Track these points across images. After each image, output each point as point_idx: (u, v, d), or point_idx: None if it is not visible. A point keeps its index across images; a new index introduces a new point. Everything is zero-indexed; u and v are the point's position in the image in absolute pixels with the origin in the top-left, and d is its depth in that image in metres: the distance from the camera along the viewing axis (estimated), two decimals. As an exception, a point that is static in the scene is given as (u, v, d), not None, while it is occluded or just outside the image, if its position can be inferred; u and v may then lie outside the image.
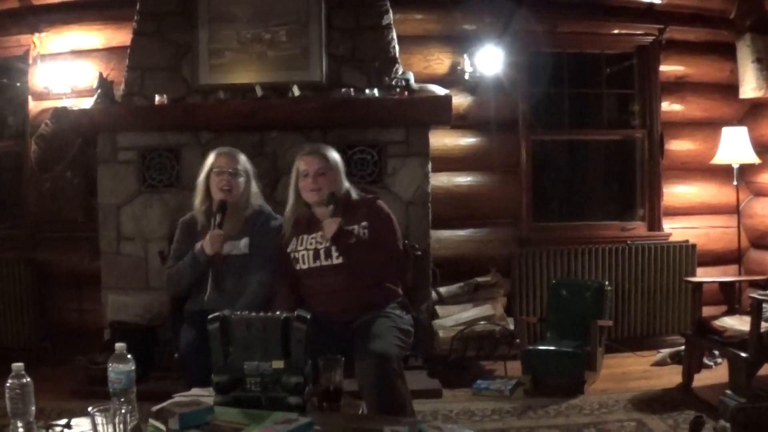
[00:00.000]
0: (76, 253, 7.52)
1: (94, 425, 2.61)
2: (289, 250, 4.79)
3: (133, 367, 3.12)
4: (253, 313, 3.36)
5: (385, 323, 4.52)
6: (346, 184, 4.87)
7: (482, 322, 6.86)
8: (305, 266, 4.71)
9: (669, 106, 7.97)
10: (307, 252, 4.72)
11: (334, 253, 4.64)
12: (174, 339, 5.22)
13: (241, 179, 5.02)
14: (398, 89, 6.84)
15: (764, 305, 5.58)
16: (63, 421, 3.04)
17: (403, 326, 4.61)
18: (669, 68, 7.94)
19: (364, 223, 4.69)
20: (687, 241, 7.76)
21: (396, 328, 4.54)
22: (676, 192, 8.01)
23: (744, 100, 7.73)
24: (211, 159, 5.07)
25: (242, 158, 5.13)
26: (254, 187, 5.15)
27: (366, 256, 4.61)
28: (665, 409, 5.75)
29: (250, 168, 5.16)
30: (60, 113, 7.22)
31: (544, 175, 8.15)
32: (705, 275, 7.44)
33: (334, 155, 4.85)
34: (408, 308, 4.81)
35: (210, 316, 3.32)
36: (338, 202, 4.71)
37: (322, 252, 4.67)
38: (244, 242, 4.95)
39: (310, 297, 4.68)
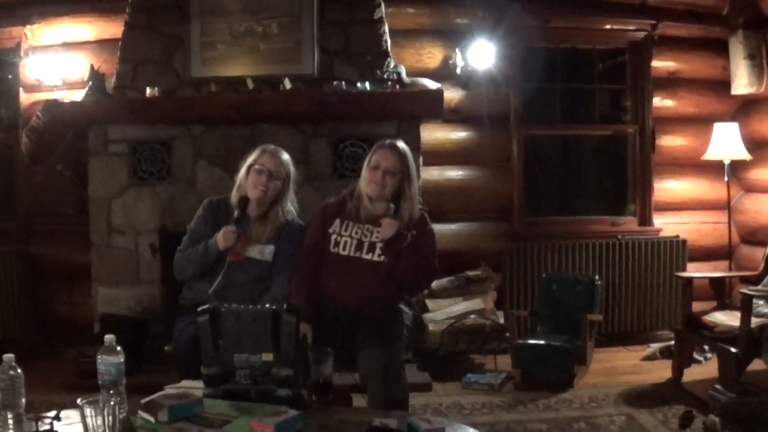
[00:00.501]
0: (66, 246, 7.51)
1: (83, 417, 2.61)
2: (330, 230, 4.73)
3: (122, 360, 3.12)
4: (242, 306, 3.35)
5: (393, 317, 4.57)
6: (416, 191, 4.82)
7: (472, 316, 6.87)
8: (345, 252, 4.66)
9: (661, 102, 7.98)
10: (351, 240, 4.67)
11: (377, 250, 4.61)
12: (167, 330, 5.20)
13: (279, 183, 4.87)
14: (390, 83, 6.83)
15: (754, 301, 5.60)
16: (52, 414, 3.04)
17: (406, 321, 4.67)
18: (661, 64, 7.95)
19: (413, 231, 4.64)
20: (678, 236, 7.78)
21: (402, 324, 4.57)
22: (668, 187, 8.02)
23: (736, 96, 7.75)
24: (254, 154, 4.93)
25: (286, 159, 4.97)
26: (291, 195, 5.02)
27: (408, 263, 4.57)
28: (655, 403, 5.77)
29: (292, 171, 5.00)
30: (51, 106, 7.18)
31: (536, 170, 8.15)
32: (696, 271, 7.46)
33: (410, 160, 4.76)
34: (411, 303, 4.84)
35: (199, 308, 3.32)
36: (398, 205, 4.67)
37: (366, 245, 4.64)
38: (269, 249, 4.83)
39: (334, 282, 4.64)
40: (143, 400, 3.13)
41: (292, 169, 4.99)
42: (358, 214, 4.73)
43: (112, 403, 2.63)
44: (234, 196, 4.92)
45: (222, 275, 4.73)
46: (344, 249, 4.67)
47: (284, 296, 4.64)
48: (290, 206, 5.01)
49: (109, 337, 3.13)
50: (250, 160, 4.92)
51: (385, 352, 4.22)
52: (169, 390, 3.45)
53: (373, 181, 4.65)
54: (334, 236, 4.70)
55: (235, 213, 4.79)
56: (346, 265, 4.65)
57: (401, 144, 4.78)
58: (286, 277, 4.75)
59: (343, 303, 4.54)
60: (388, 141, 4.80)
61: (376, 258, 4.61)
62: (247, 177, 4.88)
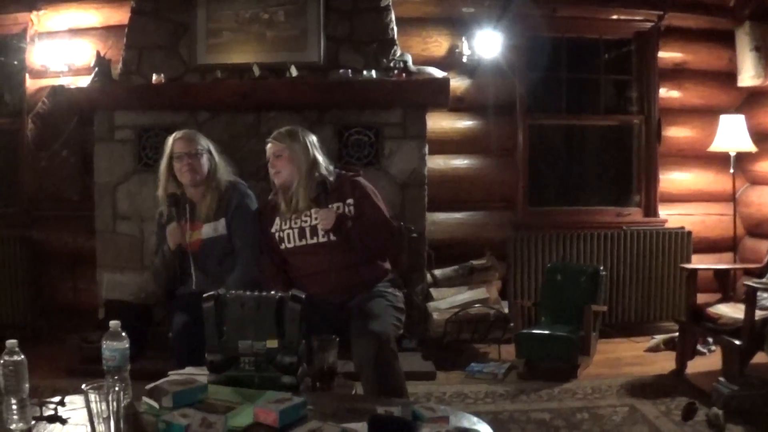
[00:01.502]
0: (71, 232, 7.52)
1: (88, 403, 2.61)
2: (273, 230, 4.81)
3: (127, 345, 3.11)
4: (248, 292, 3.36)
5: (381, 302, 4.54)
6: (322, 164, 4.85)
7: (477, 305, 6.86)
8: (291, 245, 4.73)
9: (667, 93, 7.96)
10: (291, 231, 4.73)
11: (320, 232, 4.65)
12: (168, 319, 5.23)
13: (204, 158, 5.02)
14: (396, 71, 6.83)
15: (759, 293, 5.59)
16: (57, 399, 3.04)
17: (397, 305, 4.65)
18: (667, 55, 7.92)
19: (349, 201, 4.72)
20: (683, 228, 7.76)
21: (392, 307, 4.57)
22: (673, 179, 8.01)
23: (742, 88, 7.73)
24: (168, 146, 5.06)
25: (200, 137, 5.13)
26: (219, 162, 5.15)
27: (355, 233, 4.61)
28: (658, 395, 5.76)
29: (211, 145, 5.16)
30: (57, 91, 7.19)
31: (541, 160, 8.13)
32: (700, 262, 7.43)
33: (296, 136, 4.84)
34: (400, 286, 4.84)
35: (205, 295, 3.33)
36: (322, 186, 4.70)
37: (307, 230, 4.69)
38: (221, 223, 4.96)
39: (299, 278, 4.69)
40: (147, 386, 3.13)
41: (209, 143, 5.15)
42: (287, 207, 4.80)
43: (116, 388, 2.63)
44: (162, 193, 5.07)
45: (193, 269, 4.83)
46: (290, 242, 4.74)
47: (250, 276, 4.75)
48: (227, 175, 5.15)
49: (114, 323, 3.12)
50: (166, 153, 5.06)
51: (376, 340, 4.22)
52: (174, 376, 3.46)
53: (272, 174, 4.82)
54: (277, 234, 4.79)
55: (170, 210, 4.92)
56: (298, 256, 4.73)
57: (280, 130, 4.93)
58: (248, 254, 4.88)
59: (317, 292, 4.49)
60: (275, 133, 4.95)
61: (321, 239, 4.67)
62: (169, 171, 5.03)
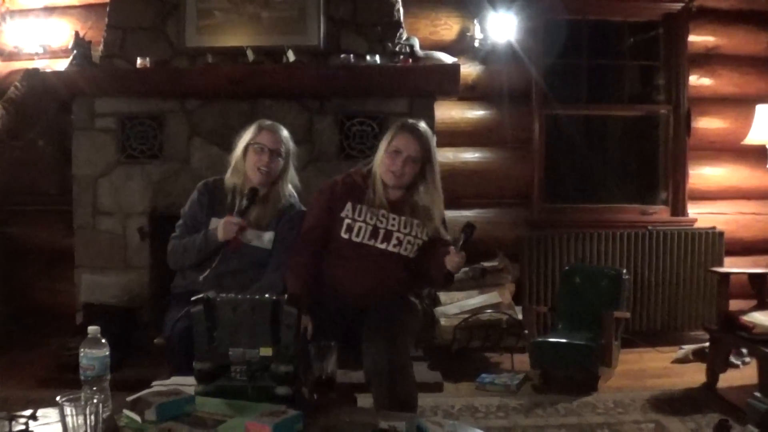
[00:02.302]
0: (48, 229, 7.51)
1: (63, 416, 2.59)
2: (342, 213, 4.65)
3: (107, 353, 3.09)
4: (239, 295, 3.34)
5: (399, 308, 4.54)
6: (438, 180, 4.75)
7: (488, 311, 6.85)
8: (357, 239, 4.60)
9: (698, 80, 7.94)
10: (365, 225, 4.61)
11: (394, 240, 4.58)
12: (157, 321, 5.20)
13: (281, 161, 4.86)
14: (402, 56, 6.82)
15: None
16: (28, 412, 3.03)
17: (416, 314, 4.65)
18: (699, 39, 7.90)
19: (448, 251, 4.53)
20: (714, 227, 7.76)
21: (409, 314, 4.55)
22: (704, 174, 8.00)
23: (780, 74, 7.73)
24: (251, 132, 4.90)
25: (286, 136, 4.95)
26: (292, 173, 5.01)
27: (440, 267, 4.49)
28: (686, 410, 5.74)
29: (292, 148, 4.99)
30: (32, 75, 7.17)
31: (559, 153, 8.13)
32: (733, 265, 7.44)
33: (433, 144, 4.70)
34: (420, 296, 4.82)
35: (193, 298, 3.30)
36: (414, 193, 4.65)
37: (381, 232, 4.60)
38: (268, 236, 4.84)
39: (341, 271, 4.62)
40: (129, 398, 3.12)
41: (292, 145, 4.97)
42: (372, 198, 4.66)
43: (95, 400, 2.62)
44: (229, 179, 4.90)
45: (216, 263, 4.73)
46: (357, 235, 4.61)
47: (277, 286, 4.60)
48: (291, 188, 5.00)
49: (93, 328, 3.11)
50: (247, 138, 4.88)
51: (392, 346, 4.18)
52: (158, 387, 3.45)
53: (391, 169, 4.58)
54: (347, 221, 4.63)
55: (242, 203, 4.74)
56: (357, 252, 4.61)
57: (423, 126, 4.70)
58: (279, 266, 4.74)
59: (350, 293, 4.52)
60: (410, 122, 4.70)
61: (391, 248, 4.58)
62: (244, 158, 4.86)
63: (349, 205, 4.65)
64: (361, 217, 4.62)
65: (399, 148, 4.56)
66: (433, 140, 4.71)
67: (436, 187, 4.66)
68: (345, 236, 4.62)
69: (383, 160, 4.61)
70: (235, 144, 4.94)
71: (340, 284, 4.53)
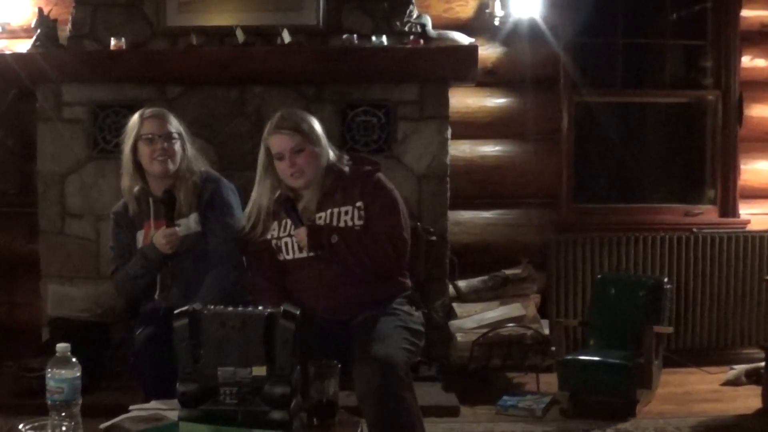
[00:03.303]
0: (7, 233, 7.48)
1: (26, 446, 2.61)
2: (269, 236, 4.77)
3: (78, 374, 3.09)
4: (230, 308, 3.36)
5: (390, 322, 4.52)
6: (332, 154, 4.82)
7: (510, 325, 6.87)
8: (290, 257, 4.71)
9: (751, 62, 7.93)
10: (291, 239, 4.69)
11: (333, 240, 4.61)
12: (129, 340, 5.24)
13: (177, 143, 5.00)
14: (412, 37, 6.85)
15: None
16: (-14, 443, 3.05)
17: (412, 326, 4.62)
18: (752, 14, 7.89)
19: (359, 204, 4.67)
20: (769, 230, 7.77)
21: (404, 328, 4.54)
22: (757, 169, 8.00)
23: None
24: (134, 126, 5.00)
25: (172, 117, 5.10)
26: (191, 149, 5.13)
27: (361, 245, 4.59)
28: (739, 439, 5.77)
29: (182, 128, 5.13)
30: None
31: (590, 146, 8.15)
32: (791, 273, 7.46)
33: (309, 122, 4.78)
34: (418, 304, 4.82)
35: (176, 311, 3.31)
36: (338, 185, 4.70)
37: None
38: (193, 218, 4.96)
39: (300, 291, 4.69)
40: (103, 425, 3.14)
41: (180, 125, 5.12)
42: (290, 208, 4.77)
43: (63, 428, 2.63)
44: (129, 188, 5.06)
45: (159, 274, 4.92)
46: (288, 253, 4.72)
47: (225, 283, 4.79)
48: (199, 165, 5.15)
49: (62, 346, 3.11)
50: (131, 135, 5.00)
51: (381, 367, 4.19)
52: (136, 412, 3.47)
53: (287, 174, 4.69)
54: (274, 242, 4.76)
55: (161, 212, 4.90)
56: (301, 268, 4.71)
57: (287, 113, 4.83)
58: (225, 257, 4.90)
59: (324, 310, 4.57)
60: (274, 119, 4.80)
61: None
62: (135, 156, 4.99)
63: (275, 225, 4.77)
64: (285, 232, 4.73)
65: (278, 152, 4.68)
66: (299, 116, 4.80)
67: (320, 157, 4.74)
68: (281, 258, 4.75)
69: (279, 171, 4.73)
70: (120, 148, 5.09)
71: (307, 305, 4.56)
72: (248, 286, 4.87)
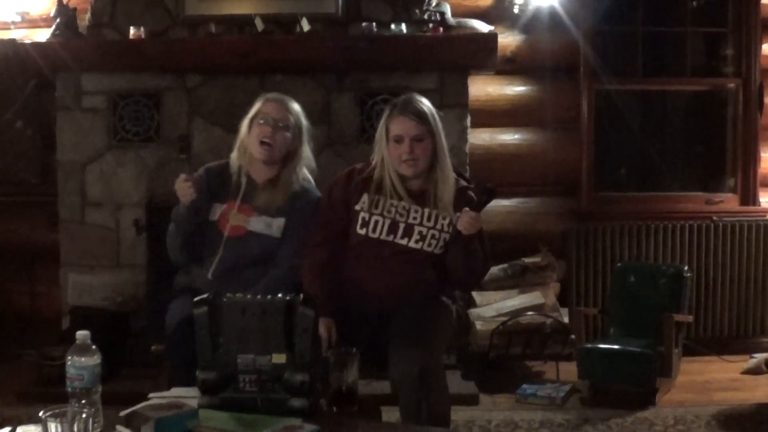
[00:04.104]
0: (28, 222, 7.54)
1: (47, 433, 2.61)
2: (357, 206, 4.69)
3: (98, 361, 3.10)
4: (249, 295, 3.35)
5: (435, 313, 4.58)
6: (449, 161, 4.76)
7: (529, 313, 6.87)
8: (374, 235, 4.63)
9: (772, 50, 7.92)
10: (382, 219, 4.64)
11: (416, 235, 4.60)
12: (154, 327, 5.21)
13: (288, 135, 4.86)
14: (431, 25, 6.82)
15: None
16: (6, 430, 3.04)
17: (449, 318, 4.69)
18: (773, 1, 7.87)
19: (458, 214, 4.55)
20: (790, 218, 7.74)
21: (445, 321, 4.61)
22: (778, 158, 7.98)
23: None
24: (256, 106, 4.94)
25: (296, 109, 4.97)
26: (307, 154, 5.02)
27: (468, 256, 4.53)
28: (759, 429, 5.74)
29: (305, 125, 5.00)
30: (8, 47, 7.19)
31: (610, 134, 8.13)
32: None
33: (435, 116, 4.69)
34: (455, 299, 4.85)
35: (196, 299, 3.31)
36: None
37: (401, 227, 4.62)
38: (278, 224, 4.84)
39: (361, 270, 4.65)
40: (123, 412, 3.13)
41: (305, 122, 4.99)
42: (390, 189, 4.68)
43: (83, 415, 2.63)
44: (235, 160, 4.95)
45: (220, 255, 4.76)
46: (374, 231, 4.64)
47: (286, 282, 4.62)
48: (306, 172, 5.01)
49: (82, 334, 3.12)
50: (251, 113, 4.92)
51: (424, 353, 4.19)
52: (156, 399, 3.46)
53: (401, 159, 4.60)
54: (362, 214, 4.66)
55: (249, 194, 4.83)
56: (376, 249, 4.63)
57: (417, 99, 4.74)
58: (292, 255, 4.77)
59: (373, 294, 4.55)
60: (400, 101, 4.73)
61: (413, 244, 4.60)
62: (249, 133, 4.89)
63: (365, 197, 4.68)
64: (378, 210, 4.65)
65: (399, 134, 4.59)
66: (432, 110, 4.71)
67: (448, 165, 4.70)
68: (361, 232, 4.65)
69: (390, 153, 4.64)
70: (240, 122, 4.97)
71: (359, 285, 4.55)
72: (305, 252, 4.74)
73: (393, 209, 4.63)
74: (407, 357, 4.18)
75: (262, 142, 4.79)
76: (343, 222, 4.71)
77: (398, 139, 4.58)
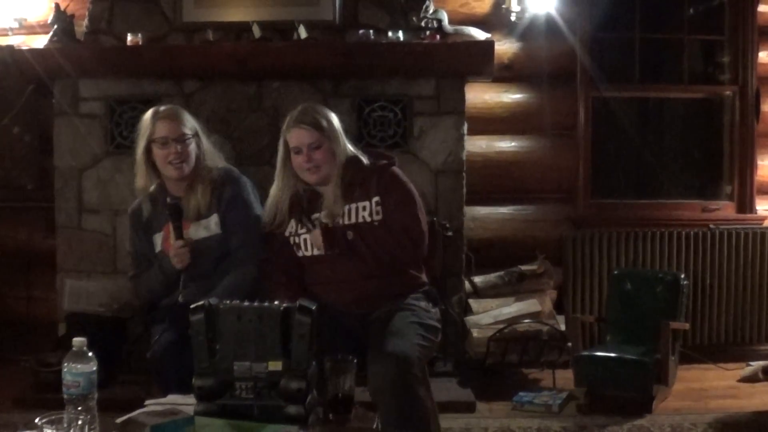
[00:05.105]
0: (25, 228, 7.53)
1: (43, 440, 2.61)
2: (287, 233, 4.81)
3: (94, 368, 3.10)
4: (246, 302, 3.35)
5: (406, 317, 4.54)
6: (350, 149, 4.84)
7: (526, 321, 6.85)
8: (308, 253, 4.75)
9: (768, 57, 7.94)
10: (311, 235, 4.72)
11: (348, 237, 4.64)
12: (146, 334, 5.23)
13: (192, 144, 4.95)
14: (428, 32, 6.83)
15: None
16: (3, 437, 3.05)
17: (428, 321, 4.63)
18: (770, 9, 7.89)
19: (376, 198, 4.70)
20: (787, 226, 7.75)
21: (419, 324, 4.55)
22: (775, 165, 7.98)
23: None
24: (147, 127, 4.96)
25: (186, 116, 5.05)
26: (207, 146, 5.10)
27: (378, 240, 4.63)
28: (755, 436, 5.75)
29: (197, 125, 5.09)
30: (5, 53, 7.18)
31: (607, 141, 8.13)
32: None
33: (328, 118, 4.79)
34: (435, 300, 4.83)
35: (193, 306, 3.31)
36: (355, 180, 4.71)
37: (337, 231, 4.67)
38: (213, 220, 4.94)
39: (317, 285, 4.72)
40: (119, 419, 3.14)
41: (195, 123, 5.08)
42: (308, 204, 4.81)
43: (79, 422, 2.63)
44: (143, 188, 5.04)
45: (183, 276, 4.85)
46: (306, 249, 4.76)
47: (247, 282, 4.76)
48: (214, 161, 5.11)
49: (78, 340, 3.12)
50: (144, 136, 4.95)
51: (395, 365, 4.20)
52: (152, 406, 3.46)
53: (303, 168, 4.72)
54: (292, 239, 4.80)
55: (172, 224, 4.84)
56: (319, 264, 4.74)
57: (309, 108, 4.86)
58: (247, 255, 4.88)
59: (343, 305, 4.61)
60: (292, 114, 4.83)
61: (351, 234, 4.66)
62: (148, 158, 4.95)
63: (292, 222, 4.81)
64: (303, 229, 4.76)
65: (296, 146, 4.71)
66: (326, 116, 4.79)
67: (339, 155, 4.76)
68: (299, 254, 4.79)
69: (294, 164, 4.76)
70: (134, 147, 5.08)
71: (324, 299, 4.56)
72: (266, 281, 4.84)
73: (316, 222, 4.74)
74: (380, 369, 4.22)
75: (171, 164, 4.87)
76: (287, 248, 4.83)
77: (297, 151, 4.71)
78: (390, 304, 4.60)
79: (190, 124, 5.02)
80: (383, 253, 4.62)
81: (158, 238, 4.95)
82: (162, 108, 5.10)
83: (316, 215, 4.75)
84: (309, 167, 4.67)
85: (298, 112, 4.78)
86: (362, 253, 4.61)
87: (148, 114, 5.03)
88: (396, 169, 4.86)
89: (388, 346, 4.29)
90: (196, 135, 5.01)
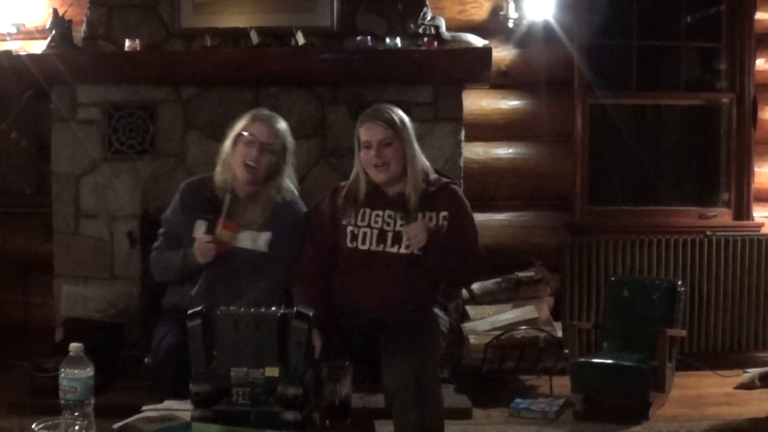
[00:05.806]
0: (22, 233, 7.53)
1: (39, 445, 2.60)
2: (344, 221, 4.74)
3: (91, 374, 3.09)
4: (242, 308, 3.34)
5: (429, 323, 4.59)
6: (423, 159, 4.82)
7: (523, 327, 6.85)
8: (364, 247, 4.68)
9: (765, 65, 7.93)
10: (370, 231, 4.69)
11: (405, 241, 4.61)
12: (147, 339, 5.20)
13: (273, 158, 4.85)
14: (426, 38, 6.83)
15: None
16: (0, 442, 3.05)
17: (443, 329, 4.68)
18: (766, 16, 7.88)
19: (443, 213, 4.69)
20: (783, 233, 7.74)
21: (438, 331, 4.60)
22: (771, 172, 7.99)
23: None
24: (243, 121, 4.91)
25: (283, 129, 4.96)
26: (289, 170, 5.02)
27: (444, 256, 4.60)
28: (752, 443, 5.75)
29: (290, 144, 4.99)
30: (3, 58, 7.18)
31: (605, 148, 8.11)
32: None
33: (402, 119, 4.76)
34: (447, 310, 4.86)
35: (190, 311, 3.31)
36: (408, 200, 4.68)
37: (389, 236, 4.66)
38: (264, 238, 4.83)
39: (356, 283, 4.68)
40: (116, 425, 3.13)
41: (290, 140, 4.99)
42: (372, 199, 4.75)
43: (76, 427, 2.63)
44: (218, 175, 4.93)
45: (206, 272, 4.76)
46: (364, 243, 4.68)
47: (272, 296, 4.62)
48: (289, 184, 5.02)
49: (75, 346, 3.11)
50: (238, 128, 4.89)
51: (419, 362, 4.20)
52: (149, 412, 3.46)
53: (372, 163, 4.68)
54: (350, 228, 4.72)
55: (208, 216, 4.81)
56: (369, 261, 4.67)
57: (384, 107, 4.85)
58: (280, 269, 4.78)
59: (364, 305, 4.58)
60: (369, 110, 4.84)
61: (403, 250, 4.63)
62: (233, 149, 4.87)
63: (351, 212, 4.74)
64: (364, 222, 4.71)
65: (367, 140, 4.68)
66: (399, 115, 4.77)
67: (419, 167, 4.74)
68: (351, 245, 4.70)
69: (363, 160, 4.72)
70: (225, 134, 4.97)
71: (352, 296, 4.58)
72: (296, 273, 4.77)
73: (379, 219, 4.69)
74: (402, 366, 4.19)
75: (246, 164, 4.79)
76: (333, 238, 4.76)
77: (367, 146, 4.67)
78: (409, 311, 4.59)
79: (284, 139, 4.94)
80: (447, 264, 4.62)
81: (201, 226, 4.81)
82: (265, 111, 5.09)
83: (379, 211, 4.71)
84: (377, 163, 4.64)
85: (373, 109, 4.82)
86: (436, 260, 4.59)
87: (250, 112, 5.00)
88: (459, 188, 4.91)
89: (413, 348, 4.29)
90: (282, 150, 4.92)
